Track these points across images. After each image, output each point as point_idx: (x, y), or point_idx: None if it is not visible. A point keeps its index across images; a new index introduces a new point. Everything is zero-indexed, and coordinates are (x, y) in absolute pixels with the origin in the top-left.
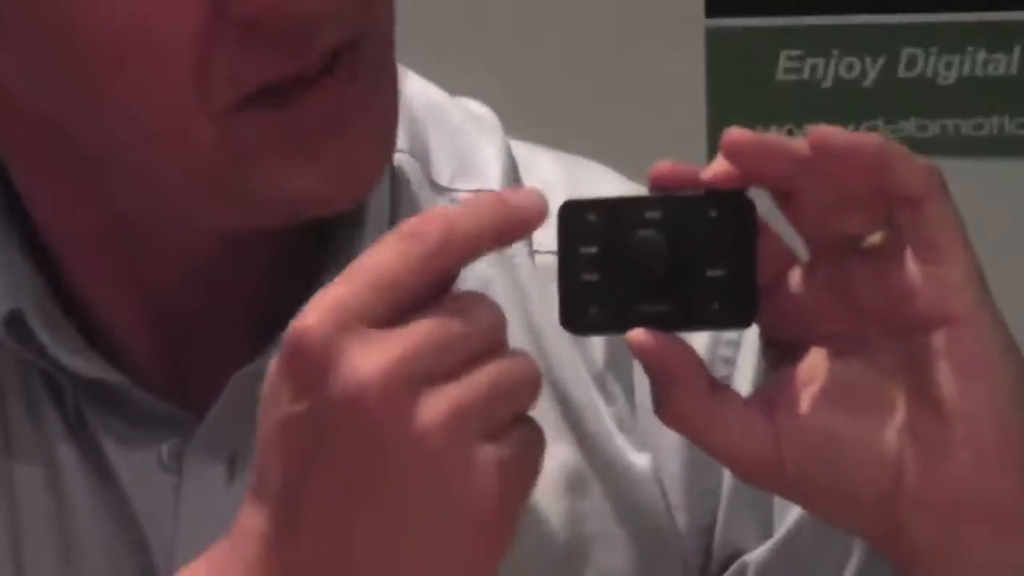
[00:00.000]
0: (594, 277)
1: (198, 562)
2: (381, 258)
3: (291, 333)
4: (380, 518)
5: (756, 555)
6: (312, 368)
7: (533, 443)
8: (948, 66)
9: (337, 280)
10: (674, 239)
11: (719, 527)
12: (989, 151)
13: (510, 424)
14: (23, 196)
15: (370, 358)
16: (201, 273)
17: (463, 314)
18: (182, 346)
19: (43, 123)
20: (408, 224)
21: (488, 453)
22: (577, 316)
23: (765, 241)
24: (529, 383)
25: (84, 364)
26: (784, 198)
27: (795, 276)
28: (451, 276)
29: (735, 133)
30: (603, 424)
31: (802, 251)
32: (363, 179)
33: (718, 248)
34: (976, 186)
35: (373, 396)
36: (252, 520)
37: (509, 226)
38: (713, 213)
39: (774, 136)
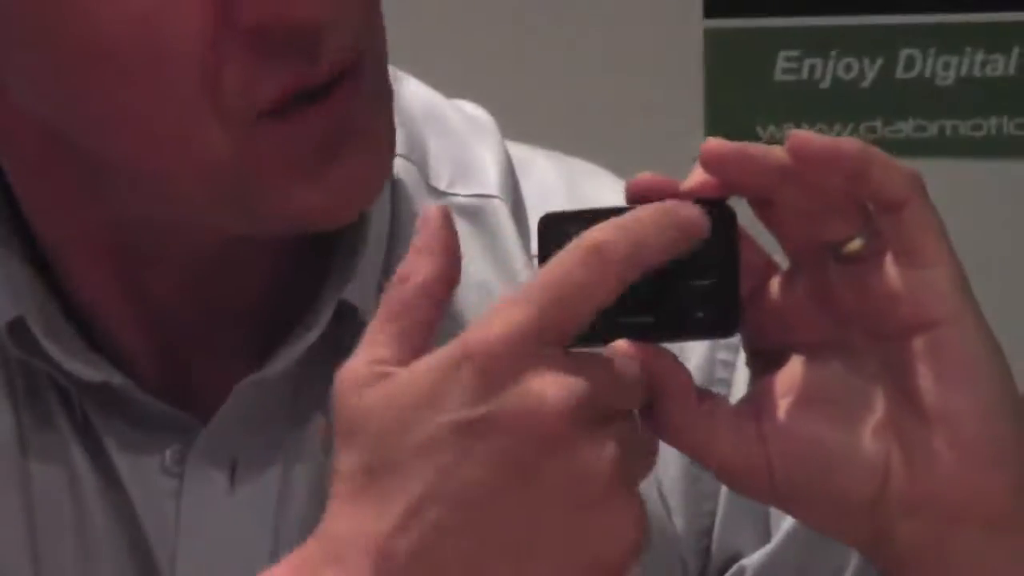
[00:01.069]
0: None
1: (280, 567)
2: (569, 276)
3: (471, 343)
4: (513, 541)
5: (754, 559)
6: (494, 379)
7: (646, 503)
8: (946, 67)
9: (524, 293)
10: None
11: (717, 531)
12: (988, 152)
13: (641, 479)
14: (22, 201)
15: (554, 385)
16: (201, 279)
17: (624, 364)
18: (184, 351)
19: (44, 128)
20: (589, 241)
21: (632, 502)
22: None
23: (745, 250)
24: (657, 444)
25: (87, 369)
26: (763, 206)
27: (775, 285)
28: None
29: (714, 144)
30: None
31: (781, 260)
32: (365, 195)
33: (700, 257)
34: (975, 187)
35: (551, 422)
36: (363, 530)
37: (680, 240)
38: None
39: (753, 145)
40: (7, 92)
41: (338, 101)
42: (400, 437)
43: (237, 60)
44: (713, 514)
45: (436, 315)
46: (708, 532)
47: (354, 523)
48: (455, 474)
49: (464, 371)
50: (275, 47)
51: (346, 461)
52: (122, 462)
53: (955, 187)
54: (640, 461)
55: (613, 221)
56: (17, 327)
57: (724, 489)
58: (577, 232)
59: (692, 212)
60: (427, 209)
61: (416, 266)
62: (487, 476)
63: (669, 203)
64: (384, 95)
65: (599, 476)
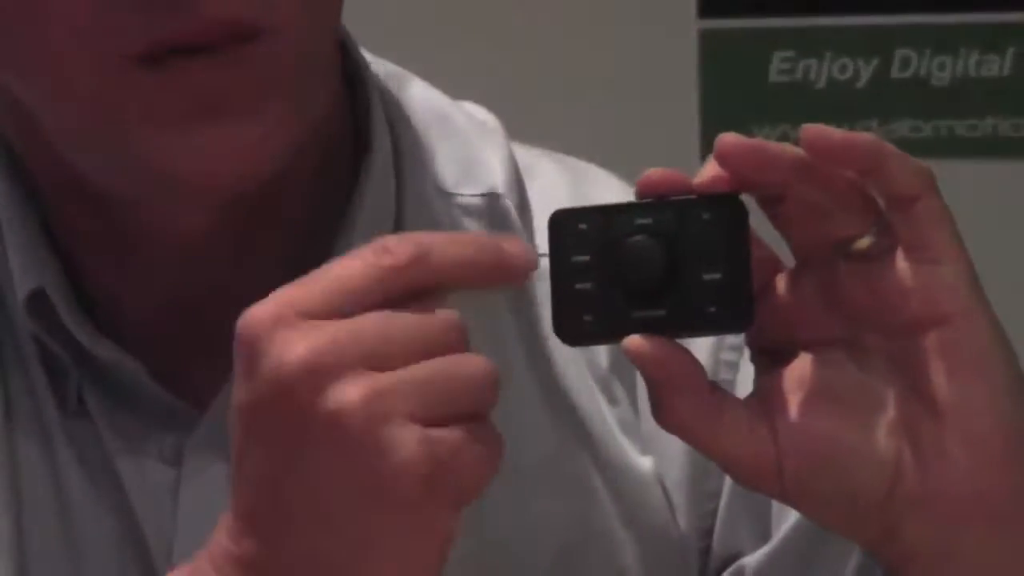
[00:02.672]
0: (587, 285)
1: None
2: (343, 265)
3: (238, 325)
4: (309, 498)
5: (754, 559)
6: (248, 356)
7: (484, 440)
8: (941, 67)
9: (297, 280)
10: (667, 244)
11: (718, 529)
12: (983, 152)
13: (457, 418)
14: (34, 179)
15: (297, 343)
16: (198, 266)
17: (413, 314)
18: (181, 340)
19: (10, 96)
20: (384, 239)
21: (410, 432)
22: (571, 325)
23: (752, 247)
24: (480, 383)
25: (101, 348)
26: (771, 203)
27: (782, 282)
28: (419, 294)
29: (729, 139)
30: (607, 427)
31: (786, 257)
32: (234, 169)
33: (712, 251)
34: (970, 187)
35: (295, 377)
36: (220, 525)
37: (490, 269)
38: (706, 216)
39: (767, 142)
40: None
41: (218, 60)
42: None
43: (112, 7)
44: (715, 514)
45: None
46: (709, 531)
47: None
48: (245, 456)
49: (237, 354)
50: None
51: None
52: (118, 449)
53: (950, 187)
54: (447, 394)
55: (421, 234)
56: (35, 301)
57: (726, 489)
58: (588, 228)
59: (513, 249)
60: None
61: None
62: (266, 449)
63: (497, 238)
64: (282, 79)
65: (351, 415)
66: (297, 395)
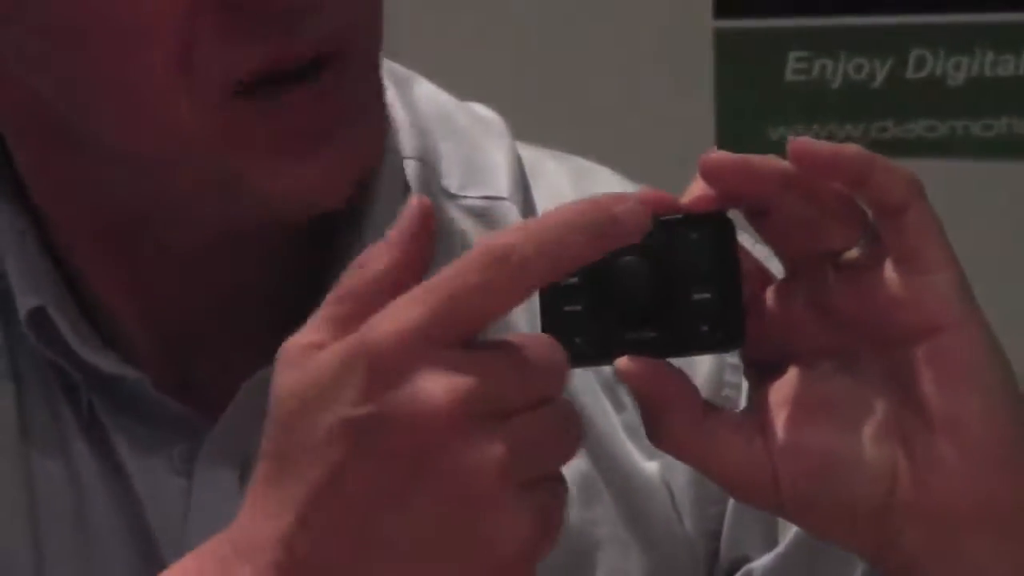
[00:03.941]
0: (577, 307)
1: (189, 558)
2: (464, 280)
3: (365, 341)
4: (409, 536)
5: (762, 562)
6: (384, 379)
7: (563, 497)
8: (957, 67)
9: (418, 292)
10: (656, 264)
11: (725, 533)
12: (998, 152)
13: (548, 474)
14: (32, 192)
15: (443, 384)
16: (203, 275)
17: (533, 354)
18: (191, 349)
19: (42, 108)
20: (492, 243)
21: (527, 500)
22: (562, 348)
23: (741, 260)
24: (576, 436)
25: (104, 361)
26: (760, 217)
27: (772, 294)
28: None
29: (713, 156)
30: (613, 431)
31: (775, 269)
32: (341, 187)
33: (702, 271)
34: (985, 187)
35: (439, 421)
36: (267, 524)
37: (603, 238)
38: (694, 236)
39: (752, 156)
40: (7, 73)
41: (320, 88)
42: (299, 428)
43: (211, 35)
44: (721, 517)
45: (381, 306)
46: (716, 535)
47: (260, 515)
48: (344, 473)
49: (358, 367)
50: (251, 26)
51: (263, 444)
52: (130, 460)
53: (966, 187)
54: (543, 456)
55: (523, 224)
56: (36, 316)
57: None
58: None
59: (610, 212)
60: (411, 200)
61: (375, 254)
62: (374, 476)
63: (589, 202)
64: (371, 92)
65: (483, 476)
66: (429, 437)
